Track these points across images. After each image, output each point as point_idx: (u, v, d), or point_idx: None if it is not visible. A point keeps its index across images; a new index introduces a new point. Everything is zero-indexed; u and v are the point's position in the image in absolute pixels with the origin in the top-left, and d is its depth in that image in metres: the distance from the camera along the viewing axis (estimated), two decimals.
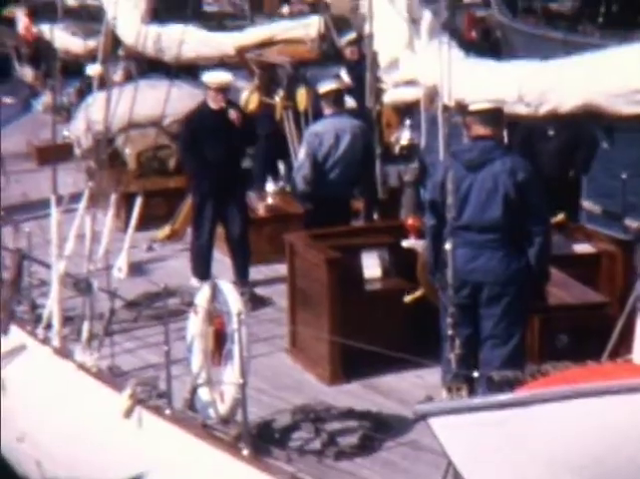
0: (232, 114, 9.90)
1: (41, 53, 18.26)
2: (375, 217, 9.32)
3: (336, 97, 9.57)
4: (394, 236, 8.31)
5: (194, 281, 9.60)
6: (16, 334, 9.08)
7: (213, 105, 9.95)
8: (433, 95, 8.48)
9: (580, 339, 7.06)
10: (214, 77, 10.15)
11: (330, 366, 7.88)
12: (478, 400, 5.07)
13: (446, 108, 7.55)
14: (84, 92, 15.03)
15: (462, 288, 6.66)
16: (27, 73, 19.68)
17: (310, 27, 11.92)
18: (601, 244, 8.45)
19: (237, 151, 10.05)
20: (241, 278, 9.68)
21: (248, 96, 12.31)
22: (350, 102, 10.43)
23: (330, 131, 9.38)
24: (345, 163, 9.33)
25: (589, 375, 5.00)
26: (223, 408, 6.99)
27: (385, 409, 7.30)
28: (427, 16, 9.05)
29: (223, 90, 9.96)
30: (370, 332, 7.59)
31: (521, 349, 6.87)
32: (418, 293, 7.82)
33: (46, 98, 17.72)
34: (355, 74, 11.34)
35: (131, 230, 10.28)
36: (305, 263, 8.38)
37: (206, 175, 9.82)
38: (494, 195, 6.88)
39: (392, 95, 9.26)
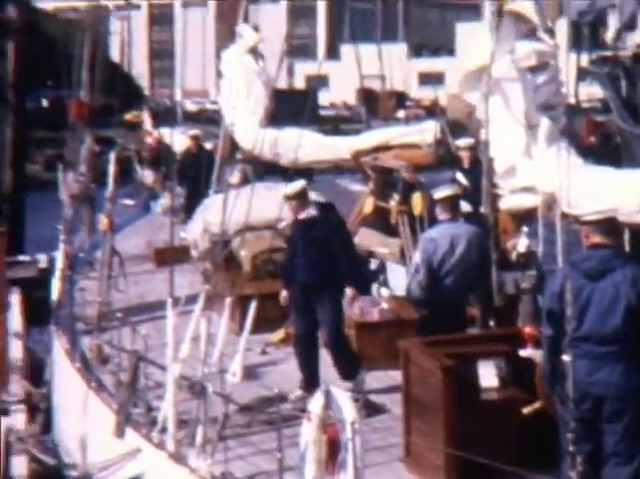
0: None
1: (161, 156, 18.72)
2: (491, 324, 9.19)
3: (452, 202, 9.54)
4: (511, 344, 8.16)
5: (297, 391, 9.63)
6: (132, 437, 9.12)
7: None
8: (551, 202, 8.40)
9: None
10: (286, 190, 10.27)
11: (446, 478, 7.71)
12: None
13: (564, 215, 7.45)
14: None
15: (582, 402, 6.48)
16: (147, 175, 20.20)
17: (426, 132, 11.98)
18: None
19: (323, 258, 9.96)
20: (345, 380, 9.66)
21: (363, 200, 12.40)
22: (465, 206, 10.40)
23: (446, 236, 9.33)
24: (460, 269, 9.25)
25: None
26: None
27: None
28: (545, 122, 9.02)
29: (291, 199, 10.12)
30: (487, 444, 7.42)
31: None
32: (536, 405, 7.63)
33: (164, 200, 18.13)
34: (470, 178, 11.33)
35: (245, 333, 10.31)
36: (420, 371, 8.28)
37: (296, 282, 10.08)
38: (616, 305, 6.72)
39: (508, 201, 9.20)
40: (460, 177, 11.79)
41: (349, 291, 10.13)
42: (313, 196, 12.66)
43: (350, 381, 9.72)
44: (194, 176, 15.49)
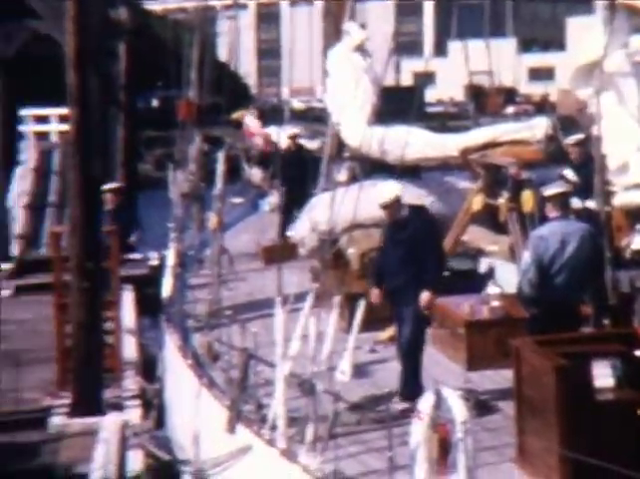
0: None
1: (269, 155, 18.82)
2: (605, 323, 9.02)
3: (562, 200, 9.39)
4: (626, 344, 8.00)
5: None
6: (243, 434, 9.20)
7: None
8: None
9: None
10: (379, 196, 10.05)
11: None
12: None
13: None
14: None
15: None
16: (255, 174, 20.34)
17: (536, 128, 11.81)
18: None
19: (410, 260, 9.77)
20: (403, 393, 9.48)
21: (472, 197, 12.28)
22: (576, 203, 10.23)
23: (556, 234, 9.19)
24: (572, 267, 9.10)
25: None
26: None
27: None
28: None
29: (386, 208, 9.91)
30: (602, 446, 7.29)
31: None
32: None
33: (272, 198, 18.24)
34: (581, 175, 11.14)
35: (354, 331, 10.30)
36: (532, 370, 8.16)
37: (385, 283, 9.87)
38: None
39: (622, 198, 9.03)
40: (568, 173, 11.60)
41: (425, 295, 9.76)
42: (418, 193, 12.62)
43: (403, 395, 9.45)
44: (293, 175, 15.55)
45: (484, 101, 18.20)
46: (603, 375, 7.95)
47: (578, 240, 9.12)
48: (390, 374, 10.29)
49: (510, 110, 17.48)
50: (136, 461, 11.79)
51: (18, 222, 24.72)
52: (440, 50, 73.56)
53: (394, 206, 9.99)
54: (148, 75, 37.66)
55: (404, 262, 9.82)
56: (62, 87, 13.70)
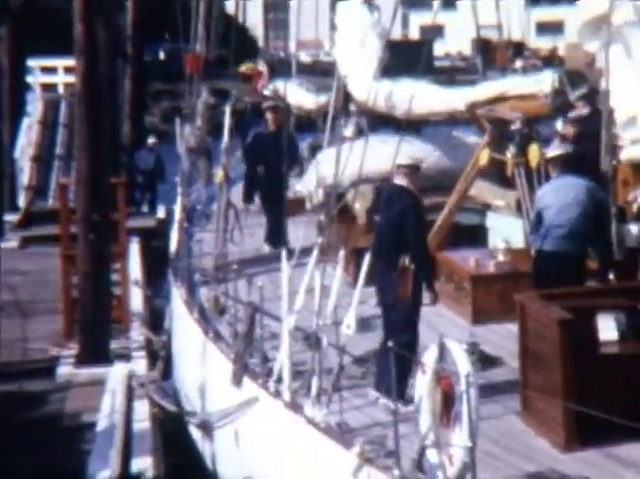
0: None
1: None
2: (611, 278, 9.03)
3: (563, 162, 9.43)
4: (631, 298, 8.01)
5: None
6: (249, 387, 9.26)
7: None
8: None
9: None
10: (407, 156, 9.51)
11: (564, 432, 7.64)
12: None
13: None
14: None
15: None
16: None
17: (544, 83, 11.73)
18: None
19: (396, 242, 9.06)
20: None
21: (479, 152, 12.24)
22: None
23: (555, 190, 9.27)
24: (574, 222, 9.13)
25: None
26: (452, 471, 6.88)
27: None
28: None
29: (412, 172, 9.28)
30: (606, 397, 7.33)
31: None
32: None
33: None
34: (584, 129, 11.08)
35: (360, 285, 10.31)
36: (537, 324, 8.20)
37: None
38: None
39: (629, 152, 9.00)
40: (560, 123, 11.55)
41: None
42: (424, 147, 12.51)
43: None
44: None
45: (492, 55, 18.04)
46: (607, 329, 7.98)
47: (578, 195, 9.14)
48: None
49: (519, 64, 17.35)
50: (142, 411, 11.89)
51: (25, 173, 24.75)
52: (449, 3, 73.07)
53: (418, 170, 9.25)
54: (155, 27, 37.45)
55: (390, 243, 9.15)
56: (69, 38, 13.65)
